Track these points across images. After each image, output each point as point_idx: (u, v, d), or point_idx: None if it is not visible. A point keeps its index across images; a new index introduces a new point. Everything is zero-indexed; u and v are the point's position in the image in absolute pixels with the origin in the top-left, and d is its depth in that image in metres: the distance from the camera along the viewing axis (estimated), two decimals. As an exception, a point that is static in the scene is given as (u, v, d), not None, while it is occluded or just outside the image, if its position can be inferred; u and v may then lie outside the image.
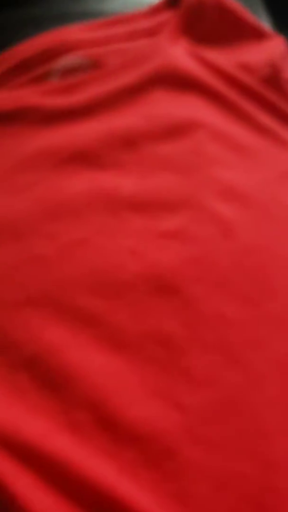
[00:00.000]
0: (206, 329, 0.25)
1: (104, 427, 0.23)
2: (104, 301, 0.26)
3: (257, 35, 0.38)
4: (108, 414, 0.23)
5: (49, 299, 0.26)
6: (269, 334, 0.25)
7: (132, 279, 0.26)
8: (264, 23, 0.47)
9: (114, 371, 0.24)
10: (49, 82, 0.34)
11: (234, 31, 0.38)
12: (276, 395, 0.24)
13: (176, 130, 0.31)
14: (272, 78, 0.36)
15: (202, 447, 0.22)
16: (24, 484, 0.21)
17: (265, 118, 0.34)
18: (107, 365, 0.24)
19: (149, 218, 0.28)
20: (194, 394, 0.24)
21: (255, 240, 0.28)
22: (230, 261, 0.27)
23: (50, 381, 0.24)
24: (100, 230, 0.28)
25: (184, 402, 0.23)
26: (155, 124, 0.31)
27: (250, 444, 0.23)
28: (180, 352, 0.24)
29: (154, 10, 0.38)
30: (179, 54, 0.34)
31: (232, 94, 0.34)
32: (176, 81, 0.33)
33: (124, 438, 0.22)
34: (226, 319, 0.25)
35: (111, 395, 0.23)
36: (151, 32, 0.37)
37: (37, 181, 0.29)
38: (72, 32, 0.35)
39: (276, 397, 0.24)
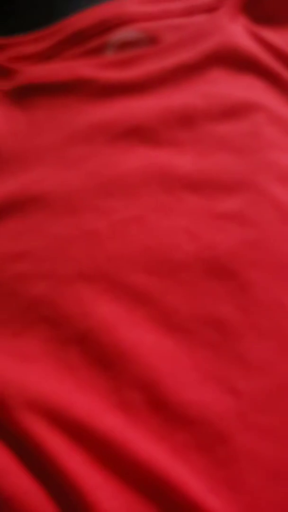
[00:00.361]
0: (262, 315, 0.24)
1: (157, 409, 0.22)
2: (158, 280, 0.25)
3: None
4: (160, 396, 0.22)
5: (102, 275, 0.25)
6: None
7: (187, 260, 0.26)
8: None
9: (167, 352, 0.23)
10: (104, 55, 0.33)
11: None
12: None
13: (234, 111, 0.30)
14: None
15: (255, 434, 0.22)
16: (76, 461, 0.21)
17: None
18: (160, 345, 0.24)
19: (205, 198, 0.27)
20: (249, 380, 0.23)
21: (314, 227, 0.27)
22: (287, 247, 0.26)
23: (101, 358, 0.23)
24: (155, 208, 0.27)
25: (239, 387, 0.23)
26: (213, 103, 0.30)
27: (305, 434, 0.22)
28: (235, 337, 0.24)
29: (213, -13, 0.37)
30: (239, 33, 0.33)
31: (291, 77, 0.32)
32: (236, 60, 0.32)
33: (177, 420, 0.22)
34: (283, 306, 0.24)
35: (164, 376, 0.23)
36: (209, 8, 0.35)
37: (91, 155, 0.29)
38: (128, 4, 0.34)
39: None
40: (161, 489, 0.20)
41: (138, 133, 0.29)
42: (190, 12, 0.35)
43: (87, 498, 0.20)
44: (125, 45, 0.33)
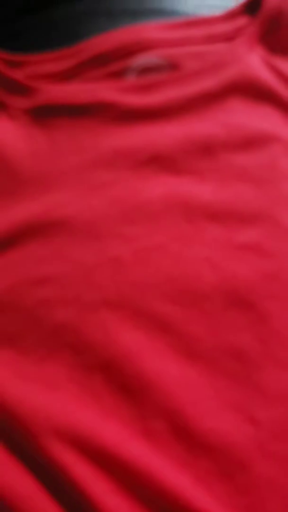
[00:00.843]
0: (280, 345, 0.25)
1: (180, 437, 0.23)
2: (180, 309, 0.26)
3: None
4: (183, 424, 0.23)
5: (125, 303, 0.26)
6: None
7: (209, 290, 0.26)
8: None
9: (189, 381, 0.24)
10: (125, 80, 0.33)
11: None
12: None
13: (252, 141, 0.31)
14: None
15: (274, 463, 0.23)
16: (101, 490, 0.21)
17: None
18: (182, 374, 0.24)
19: (226, 228, 0.28)
20: (268, 409, 0.24)
21: None
22: (305, 280, 0.27)
23: (125, 386, 0.24)
24: (177, 237, 0.28)
25: (258, 416, 0.24)
26: (233, 133, 0.31)
27: None
28: (254, 367, 0.25)
29: (231, 15, 0.37)
30: (256, 63, 0.34)
31: (306, 108, 0.33)
32: (253, 91, 0.32)
33: (199, 448, 0.23)
34: (300, 337, 0.25)
35: (187, 405, 0.24)
36: (228, 37, 0.36)
37: (114, 181, 0.29)
38: (149, 30, 0.35)
39: None
40: None
41: (160, 161, 0.30)
42: (209, 40, 0.36)
43: None
44: (146, 70, 0.33)
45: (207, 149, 0.30)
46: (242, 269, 0.27)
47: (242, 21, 0.37)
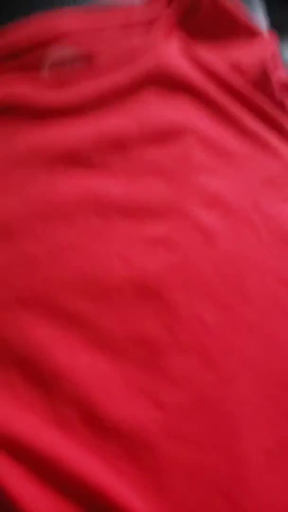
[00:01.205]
0: (185, 332, 0.27)
1: (90, 424, 0.25)
2: (92, 303, 0.27)
3: (250, 33, 0.38)
4: (93, 411, 0.25)
5: (38, 300, 0.27)
6: (243, 338, 0.28)
7: (119, 284, 0.28)
8: (261, 21, 0.47)
9: (100, 371, 0.26)
10: (40, 75, 0.33)
11: (228, 28, 0.37)
12: (248, 395, 0.27)
13: (165, 135, 0.31)
14: (262, 81, 0.36)
15: (178, 443, 0.25)
16: (13, 476, 0.23)
17: (253, 123, 0.35)
18: (93, 365, 0.26)
19: (136, 223, 0.29)
20: (173, 393, 0.26)
21: (235, 248, 0.30)
22: (211, 268, 0.29)
23: (39, 379, 0.25)
24: (89, 234, 0.29)
25: (164, 401, 0.26)
26: (145, 127, 0.31)
27: (221, 440, 0.25)
28: (160, 354, 0.27)
29: (149, 2, 0.37)
30: (172, 53, 0.34)
31: (222, 98, 0.34)
32: (168, 82, 0.33)
33: (108, 434, 0.25)
34: (204, 323, 0.27)
35: (97, 393, 0.25)
36: (145, 26, 0.36)
37: (29, 181, 0.30)
38: (65, 19, 0.34)
39: (247, 397, 0.26)
40: (94, 498, 0.23)
41: (74, 158, 0.30)
42: (126, 29, 0.36)
43: (24, 509, 0.22)
44: (61, 62, 0.33)
45: (120, 144, 0.31)
46: (150, 262, 0.28)
47: (160, 8, 0.37)
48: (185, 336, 0.27)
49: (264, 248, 0.31)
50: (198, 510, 0.24)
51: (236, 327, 0.28)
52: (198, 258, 0.29)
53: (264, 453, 0.25)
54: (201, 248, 0.29)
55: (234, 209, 0.31)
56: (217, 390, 0.26)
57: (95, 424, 0.25)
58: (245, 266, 0.30)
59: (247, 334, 0.28)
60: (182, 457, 0.25)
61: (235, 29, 0.38)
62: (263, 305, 0.29)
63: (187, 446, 0.25)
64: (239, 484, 0.24)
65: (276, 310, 0.29)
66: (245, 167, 0.33)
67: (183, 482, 0.24)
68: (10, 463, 0.24)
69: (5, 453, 0.24)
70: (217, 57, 0.36)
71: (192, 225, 0.29)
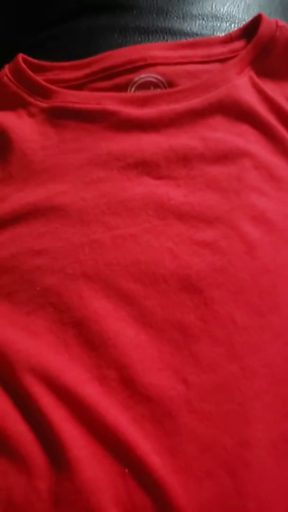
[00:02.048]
0: (217, 326, 0.31)
1: (125, 385, 0.29)
2: (142, 287, 0.32)
3: None
4: (130, 376, 0.30)
5: (99, 277, 0.32)
6: (266, 342, 0.31)
7: (167, 274, 0.32)
8: None
9: (140, 344, 0.31)
10: (127, 92, 0.39)
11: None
12: (263, 391, 0.30)
13: (225, 155, 0.36)
14: None
15: (196, 417, 0.29)
16: (60, 416, 0.28)
17: (306, 154, 0.39)
18: (135, 337, 0.31)
19: (189, 227, 0.34)
20: (199, 375, 0.30)
21: (273, 262, 0.33)
22: (248, 275, 0.33)
23: (90, 341, 0.31)
24: (149, 230, 0.34)
25: (190, 379, 0.30)
26: (209, 147, 0.36)
27: (233, 423, 0.29)
28: (193, 340, 0.31)
29: (229, 38, 0.42)
30: (243, 85, 0.39)
31: (281, 129, 0.38)
32: (235, 112, 0.38)
33: (139, 397, 0.29)
34: (234, 322, 0.31)
35: (135, 361, 0.30)
36: (222, 58, 0.41)
37: (105, 178, 0.36)
38: (154, 48, 0.40)
39: (262, 393, 0.30)
40: (120, 446, 0.28)
41: (145, 166, 0.36)
42: (205, 60, 0.41)
43: (65, 444, 0.27)
44: (146, 85, 0.39)
45: (185, 159, 0.36)
46: (196, 261, 0.33)
47: (238, 44, 0.42)
48: (216, 330, 0.31)
49: (300, 267, 0.34)
50: (203, 478, 0.28)
51: (262, 331, 0.32)
52: (239, 265, 0.33)
53: (269, 443, 0.29)
54: (242, 257, 0.33)
55: (277, 228, 0.35)
56: (237, 380, 0.30)
57: (129, 386, 0.29)
58: (280, 280, 0.33)
59: (271, 339, 0.31)
60: (197, 430, 0.29)
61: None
62: (291, 317, 0.32)
63: (203, 422, 0.29)
64: (242, 464, 0.28)
65: (303, 324, 0.33)
66: (293, 193, 0.37)
67: (194, 452, 0.28)
68: (57, 405, 0.29)
69: (55, 397, 0.29)
70: (282, 92, 0.41)
71: (238, 236, 0.34)
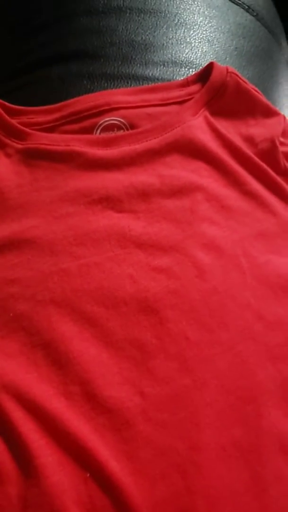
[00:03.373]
0: (171, 343, 0.35)
1: (87, 399, 0.33)
2: (104, 310, 0.36)
3: (266, 112, 0.47)
4: (92, 390, 0.33)
5: (66, 303, 0.36)
6: (217, 354, 0.35)
7: (127, 298, 0.36)
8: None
9: (101, 361, 0.34)
10: (93, 134, 0.44)
11: (247, 108, 0.46)
12: (213, 399, 0.34)
13: (180, 190, 0.40)
14: (270, 151, 0.45)
15: (151, 425, 0.32)
16: (28, 428, 0.32)
17: (256, 186, 0.43)
18: (97, 356, 0.34)
19: (147, 254, 0.38)
20: (154, 387, 0.34)
21: (222, 284, 0.37)
22: (199, 297, 0.37)
23: (57, 360, 0.34)
24: (111, 258, 0.38)
25: (146, 391, 0.33)
26: (165, 183, 0.40)
27: (185, 430, 0.32)
28: (149, 356, 0.34)
29: (186, 82, 0.47)
30: (197, 125, 0.43)
31: (232, 164, 0.43)
32: (190, 151, 0.42)
33: (99, 409, 0.33)
34: (187, 338, 0.35)
35: (96, 377, 0.34)
36: (180, 101, 0.46)
37: (73, 213, 0.40)
38: (117, 94, 0.45)
39: (212, 402, 0.34)
40: (82, 453, 0.31)
41: (109, 201, 0.40)
42: (164, 102, 0.46)
43: (32, 453, 0.31)
44: (110, 127, 0.44)
45: (144, 194, 0.40)
46: (153, 285, 0.37)
47: (194, 88, 0.47)
48: (170, 346, 0.35)
49: (248, 288, 0.38)
50: (157, 479, 0.31)
51: (213, 346, 0.35)
52: (191, 288, 0.37)
53: (218, 447, 0.32)
54: (194, 281, 0.37)
55: (226, 254, 0.39)
56: (189, 391, 0.34)
57: (91, 400, 0.33)
58: (229, 300, 0.37)
59: (221, 353, 0.35)
60: (152, 436, 0.32)
61: (253, 108, 0.47)
62: (239, 333, 0.36)
63: (158, 429, 0.32)
64: (193, 466, 0.32)
65: (250, 340, 0.36)
66: (242, 221, 0.41)
67: (149, 456, 0.32)
68: (26, 418, 0.32)
69: (25, 411, 0.33)
70: (235, 130, 0.45)
71: (190, 262, 0.38)
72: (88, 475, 0.31)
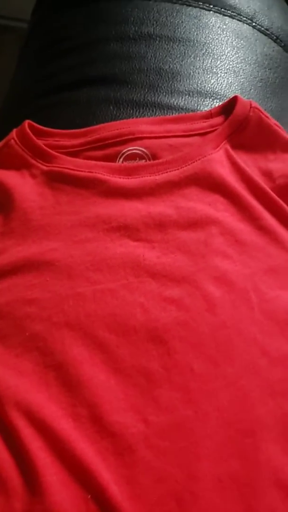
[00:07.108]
0: (177, 374, 0.36)
1: (93, 422, 0.35)
2: (115, 337, 0.38)
3: (286, 147, 0.48)
4: (98, 414, 0.35)
5: (80, 326, 0.38)
6: (220, 388, 0.36)
7: (137, 326, 0.38)
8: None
9: (109, 387, 0.36)
10: (116, 162, 0.45)
11: (267, 142, 0.47)
12: (214, 431, 0.35)
13: (195, 223, 0.42)
14: (286, 187, 0.46)
15: (153, 452, 0.34)
16: (36, 446, 0.33)
17: (271, 220, 0.44)
18: (106, 381, 0.36)
19: (160, 284, 0.39)
20: (158, 415, 0.35)
21: (231, 319, 0.39)
22: (207, 330, 0.38)
23: (67, 382, 0.36)
24: (125, 286, 0.39)
25: (149, 419, 0.35)
26: (182, 215, 0.42)
27: (183, 459, 0.34)
28: (155, 385, 0.36)
29: (209, 114, 0.48)
30: (217, 159, 0.45)
31: (250, 198, 0.44)
32: (208, 182, 0.43)
33: (104, 432, 0.34)
34: (192, 370, 0.36)
35: (104, 402, 0.35)
36: (202, 132, 0.47)
37: (92, 239, 0.41)
38: (142, 123, 0.47)
39: (213, 433, 0.35)
40: (85, 474, 0.33)
41: (127, 229, 0.42)
42: (187, 134, 0.47)
43: (39, 470, 0.32)
44: (132, 156, 0.45)
45: (161, 224, 0.42)
46: (163, 315, 0.38)
47: (217, 120, 0.48)
48: (176, 377, 0.36)
49: (255, 324, 0.39)
50: (154, 505, 0.33)
51: (217, 379, 0.36)
52: (200, 320, 0.38)
53: (215, 478, 0.34)
54: (203, 314, 0.38)
55: (236, 288, 0.40)
56: (190, 422, 0.35)
57: (97, 423, 0.35)
58: (236, 334, 0.38)
59: (224, 386, 0.36)
60: (153, 463, 0.34)
61: (274, 144, 0.47)
62: (243, 368, 0.37)
63: (159, 456, 0.34)
64: (190, 495, 0.33)
65: (254, 375, 0.37)
66: (255, 256, 0.42)
67: (149, 482, 0.33)
68: (35, 436, 0.34)
69: (34, 429, 0.34)
70: (254, 164, 0.46)
71: (201, 295, 0.39)
72: (89, 496, 0.32)
